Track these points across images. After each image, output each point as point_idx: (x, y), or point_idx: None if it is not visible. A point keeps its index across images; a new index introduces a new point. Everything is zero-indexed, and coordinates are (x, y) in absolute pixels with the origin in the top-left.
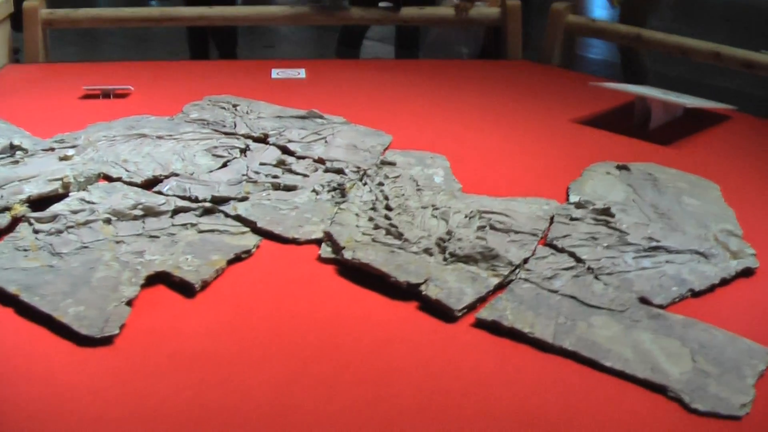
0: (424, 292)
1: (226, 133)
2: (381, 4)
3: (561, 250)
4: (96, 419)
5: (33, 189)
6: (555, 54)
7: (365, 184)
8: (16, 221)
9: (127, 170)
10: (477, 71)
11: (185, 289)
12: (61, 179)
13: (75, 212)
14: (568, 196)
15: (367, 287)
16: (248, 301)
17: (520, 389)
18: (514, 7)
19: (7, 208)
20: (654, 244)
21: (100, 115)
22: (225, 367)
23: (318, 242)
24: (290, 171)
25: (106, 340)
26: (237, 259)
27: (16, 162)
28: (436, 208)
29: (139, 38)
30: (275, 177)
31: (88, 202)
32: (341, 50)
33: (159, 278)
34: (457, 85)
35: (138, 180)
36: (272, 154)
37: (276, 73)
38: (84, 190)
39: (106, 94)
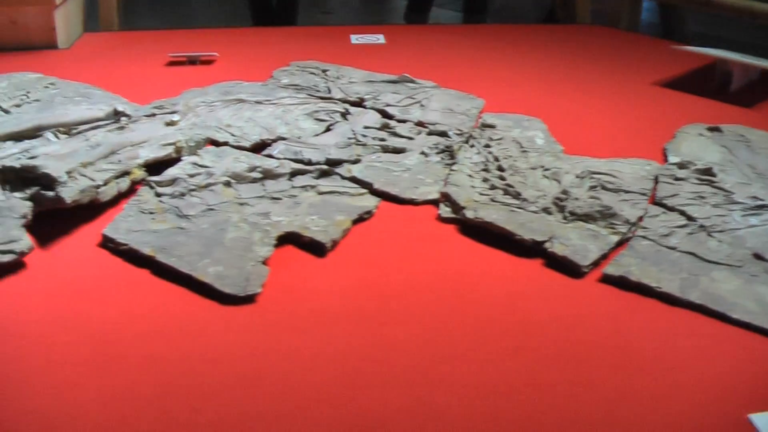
0: (549, 249)
1: (322, 98)
2: None
3: (671, 209)
4: (256, 375)
5: (148, 153)
6: (623, 18)
7: (472, 146)
8: (133, 185)
9: (232, 135)
10: (550, 35)
11: (315, 248)
12: (173, 144)
13: (191, 176)
14: (665, 156)
15: (490, 245)
16: (377, 259)
17: (656, 341)
18: None
19: (126, 172)
20: (759, 203)
21: (188, 81)
22: (368, 322)
23: (434, 203)
24: (395, 134)
25: (249, 299)
26: (360, 219)
27: (122, 128)
28: (546, 169)
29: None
30: (382, 140)
31: (202, 166)
32: (411, 15)
33: (288, 239)
34: (534, 49)
35: (246, 144)
36: (373, 117)
37: (356, 39)
38: (195, 154)
39: (192, 61)
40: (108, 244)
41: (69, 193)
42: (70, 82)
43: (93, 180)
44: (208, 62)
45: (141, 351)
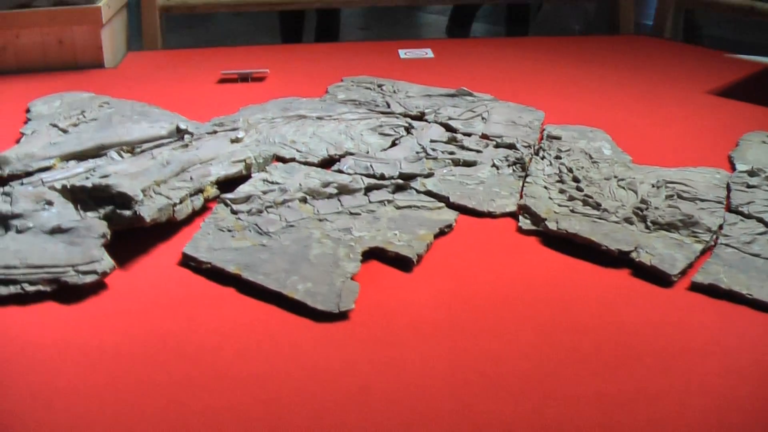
0: (637, 259)
1: (383, 113)
2: None
3: (748, 216)
4: (364, 389)
5: (219, 171)
6: (666, 27)
7: (543, 158)
8: (205, 203)
9: (298, 150)
10: (597, 46)
11: (401, 263)
12: (243, 160)
13: (265, 192)
14: (732, 164)
15: (573, 256)
16: (464, 272)
17: (755, 347)
18: None
19: (200, 190)
20: None
21: (242, 98)
22: (465, 335)
23: (511, 215)
24: (462, 147)
25: (342, 315)
26: (440, 233)
27: (186, 146)
28: (621, 179)
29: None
30: (451, 153)
31: (273, 182)
32: (453, 29)
33: (372, 254)
34: (584, 61)
35: (313, 160)
36: (437, 131)
37: (404, 53)
38: (263, 170)
39: (244, 78)
40: (189, 262)
41: (148, 212)
42: (124, 100)
43: (169, 198)
44: (259, 79)
45: (242, 370)
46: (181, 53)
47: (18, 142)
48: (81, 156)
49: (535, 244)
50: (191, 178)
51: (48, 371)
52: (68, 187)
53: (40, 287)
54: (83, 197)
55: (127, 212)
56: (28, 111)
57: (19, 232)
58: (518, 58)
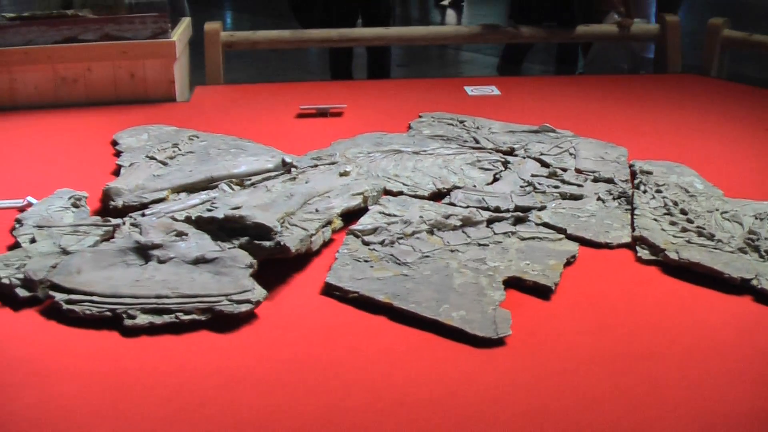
0: (759, 287)
1: (474, 148)
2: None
3: None
4: (543, 411)
5: (341, 203)
6: (713, 67)
7: (645, 192)
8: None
9: (404, 184)
10: (649, 84)
11: (539, 292)
12: (361, 193)
13: (388, 224)
14: None
15: (695, 284)
16: (599, 300)
17: None
18: (673, 23)
19: (329, 222)
20: None
21: (325, 132)
22: (629, 360)
23: (626, 246)
24: (563, 181)
25: (500, 341)
26: (567, 263)
27: (294, 179)
28: (724, 212)
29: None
30: (556, 187)
31: (389, 215)
32: (504, 67)
33: (510, 283)
34: (644, 98)
35: (422, 193)
36: (533, 166)
37: (471, 90)
38: (376, 203)
39: (323, 113)
40: (333, 291)
41: (293, 242)
42: (214, 134)
43: (306, 230)
44: (337, 114)
45: (418, 396)
46: (248, 88)
47: (115, 173)
48: (191, 188)
49: (657, 274)
50: (317, 210)
51: (212, 399)
52: (193, 218)
53: (195, 316)
54: (211, 228)
55: (268, 243)
56: (114, 143)
57: (161, 262)
58: (580, 96)
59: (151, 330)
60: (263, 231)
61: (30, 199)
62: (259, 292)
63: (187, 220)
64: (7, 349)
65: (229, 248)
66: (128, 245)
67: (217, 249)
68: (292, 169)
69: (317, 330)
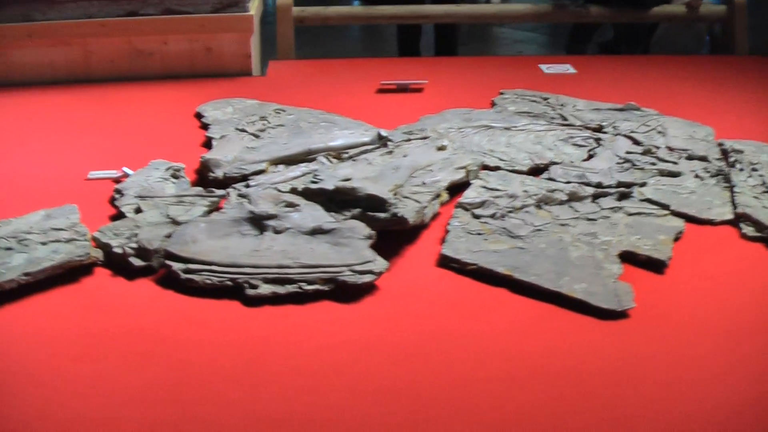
0: None
1: (563, 125)
2: None
3: None
4: (675, 381)
5: (446, 176)
6: None
7: (741, 169)
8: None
9: (501, 159)
10: (721, 65)
11: (652, 266)
12: (464, 167)
13: (494, 198)
14: None
15: None
16: (712, 274)
17: None
18: (740, 4)
19: (437, 195)
20: None
21: (407, 107)
22: (747, 332)
23: (729, 222)
24: (659, 159)
25: (623, 314)
26: (675, 239)
27: (390, 152)
28: None
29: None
30: (653, 164)
31: (491, 189)
32: (572, 46)
33: (623, 257)
34: (714, 78)
35: (521, 168)
36: (626, 143)
37: (546, 68)
38: (478, 178)
39: (403, 88)
40: (450, 264)
41: (410, 214)
42: (300, 108)
43: (418, 202)
44: (417, 90)
45: (551, 366)
46: (323, 63)
47: (205, 145)
48: (289, 161)
49: (762, 250)
50: (424, 183)
51: (346, 368)
52: (299, 190)
53: (318, 286)
54: (321, 200)
55: (383, 215)
56: (199, 116)
57: (277, 232)
58: (655, 75)
59: (274, 300)
60: (376, 203)
61: (126, 169)
62: (380, 263)
63: (293, 191)
64: (128, 318)
65: (342, 219)
66: (242, 215)
67: (332, 220)
68: (388, 143)
69: (440, 301)
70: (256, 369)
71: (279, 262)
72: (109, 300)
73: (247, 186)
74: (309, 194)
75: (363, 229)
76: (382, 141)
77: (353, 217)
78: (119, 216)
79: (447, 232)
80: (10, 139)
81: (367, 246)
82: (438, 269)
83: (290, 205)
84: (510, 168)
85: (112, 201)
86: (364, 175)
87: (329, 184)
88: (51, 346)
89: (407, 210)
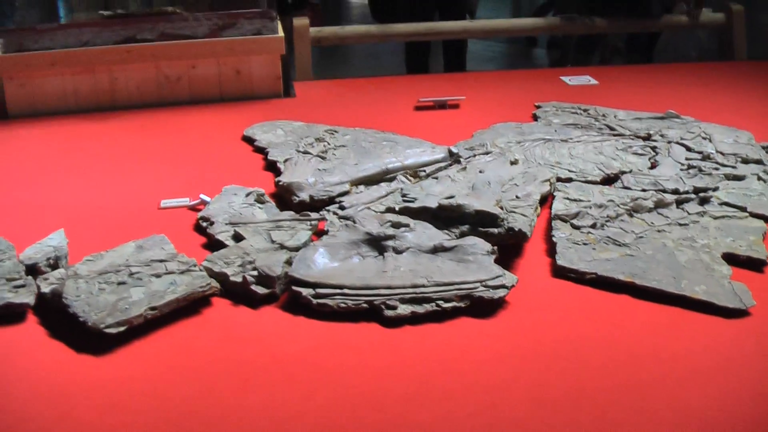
0: None
1: (615, 135)
2: None
3: None
4: None
5: (536, 190)
6: None
7: None
8: None
9: (570, 170)
10: (727, 72)
11: (752, 265)
12: (548, 180)
13: (586, 208)
14: None
15: None
16: None
17: None
18: (738, 11)
19: (534, 208)
20: None
21: (451, 123)
22: None
23: None
24: (718, 163)
25: (745, 312)
26: (762, 238)
27: (464, 168)
28: None
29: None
30: (716, 168)
31: (576, 200)
32: (579, 58)
33: (725, 259)
34: (727, 84)
35: (593, 178)
36: (680, 150)
37: (569, 80)
38: (557, 190)
39: (441, 105)
40: (568, 274)
41: (525, 228)
42: (352, 128)
43: (525, 215)
44: (454, 106)
45: (690, 367)
46: (348, 82)
47: (268, 168)
48: (369, 181)
49: None
50: (517, 197)
51: (504, 383)
52: (397, 209)
53: (455, 303)
54: (424, 218)
55: (497, 230)
56: (250, 140)
57: (398, 252)
58: (673, 83)
59: (413, 319)
60: (487, 218)
61: (203, 197)
62: (510, 276)
63: (389, 211)
64: (271, 347)
65: (456, 237)
66: (359, 237)
67: (447, 237)
68: (462, 159)
69: (570, 310)
70: (426, 388)
71: (413, 282)
72: (241, 330)
73: (342, 208)
74: (411, 213)
75: (484, 244)
76: (453, 157)
77: (462, 234)
78: (216, 244)
79: (554, 243)
80: (65, 170)
81: (492, 261)
82: (555, 280)
83: (397, 225)
84: (583, 179)
85: (199, 229)
86: (456, 192)
87: (430, 202)
88: (207, 379)
89: (520, 224)
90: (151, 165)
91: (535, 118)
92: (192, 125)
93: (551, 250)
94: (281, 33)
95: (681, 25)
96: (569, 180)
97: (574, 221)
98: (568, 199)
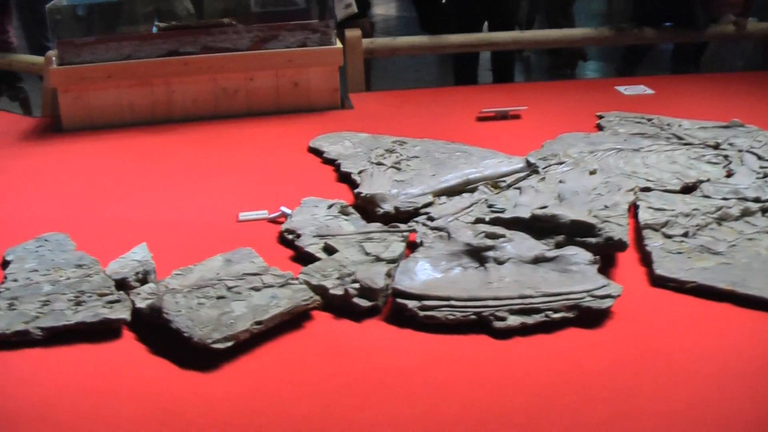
0: None
1: (684, 144)
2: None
3: None
4: None
5: (623, 200)
6: None
7: None
8: None
9: (648, 180)
10: None
11: None
12: (632, 190)
13: (673, 217)
14: None
15: None
16: None
17: None
18: None
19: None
20: None
21: (517, 134)
22: None
23: None
24: None
25: None
26: None
27: (543, 179)
28: None
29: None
30: None
31: (660, 209)
32: (624, 68)
33: None
34: None
35: (672, 188)
36: (752, 158)
37: (624, 90)
38: (639, 199)
39: (503, 115)
40: (667, 283)
41: (625, 237)
42: (418, 139)
43: (620, 224)
44: (516, 116)
45: None
46: (404, 93)
47: (341, 180)
48: (449, 192)
49: None
50: (606, 206)
51: (610, 395)
52: (487, 219)
53: (563, 314)
54: (515, 229)
55: (594, 239)
56: (317, 152)
57: (500, 263)
58: (725, 92)
59: (523, 331)
60: (583, 228)
61: (284, 209)
62: (616, 286)
63: (479, 221)
64: (379, 361)
65: (553, 247)
66: (458, 248)
67: (546, 248)
68: (540, 170)
69: (677, 319)
70: (551, 400)
71: (520, 292)
72: (349, 343)
73: (431, 219)
74: (503, 224)
75: (585, 254)
76: (531, 168)
77: (558, 244)
78: (306, 256)
79: (647, 252)
80: (135, 184)
81: (595, 271)
82: (655, 289)
83: (492, 235)
84: (662, 188)
85: (284, 241)
86: (543, 202)
87: (522, 213)
88: (324, 395)
89: (619, 233)
90: (221, 178)
91: (600, 127)
92: (254, 138)
93: (644, 259)
94: (339, 44)
95: (728, 35)
96: (647, 189)
97: (665, 230)
98: (651, 208)
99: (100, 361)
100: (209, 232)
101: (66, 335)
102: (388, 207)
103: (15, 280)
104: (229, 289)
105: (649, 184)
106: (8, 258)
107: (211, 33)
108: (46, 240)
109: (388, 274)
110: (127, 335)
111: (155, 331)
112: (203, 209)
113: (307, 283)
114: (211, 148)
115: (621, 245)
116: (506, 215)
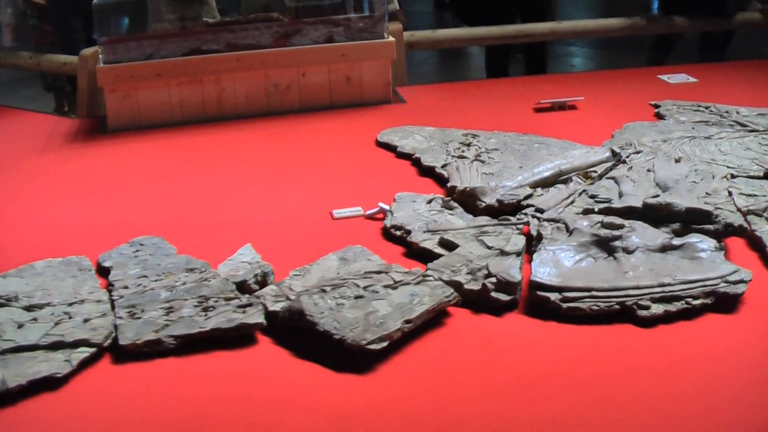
0: None
1: (750, 131)
2: None
3: None
4: None
5: (718, 186)
6: None
7: None
8: None
9: (728, 167)
10: None
11: None
12: (725, 177)
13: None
14: None
15: None
16: None
17: None
18: None
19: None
20: None
21: (577, 124)
22: None
23: None
24: None
25: None
26: None
27: (631, 168)
28: None
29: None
30: None
31: (750, 195)
32: (653, 57)
33: None
34: None
35: (755, 174)
36: None
37: (668, 78)
38: (731, 187)
39: (561, 106)
40: None
41: (745, 224)
42: (490, 132)
43: (732, 211)
44: (573, 107)
45: None
46: (452, 86)
47: (423, 174)
48: (543, 183)
49: None
50: (707, 194)
51: None
52: (596, 210)
53: (702, 300)
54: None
55: (713, 227)
56: (386, 146)
57: (628, 252)
58: (762, 80)
59: (666, 318)
60: (700, 215)
61: (382, 205)
62: (745, 272)
63: (588, 212)
64: (536, 355)
65: (700, 235)
66: (586, 239)
67: (668, 236)
68: (626, 159)
69: None
70: (715, 386)
71: (659, 281)
72: (499, 339)
73: (540, 211)
74: (616, 214)
75: (710, 241)
76: (616, 157)
77: (675, 232)
78: (421, 252)
79: (758, 237)
80: (213, 185)
81: (723, 257)
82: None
83: (610, 225)
84: (745, 174)
85: (391, 238)
86: (644, 191)
87: (634, 202)
88: (494, 393)
89: (735, 219)
90: (299, 175)
91: (660, 116)
92: (313, 133)
93: (752, 244)
94: (391, 38)
95: (755, 22)
96: (731, 176)
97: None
98: (743, 194)
99: (246, 369)
100: (308, 230)
101: (198, 343)
102: (490, 200)
103: (125, 287)
104: (365, 288)
105: (731, 171)
106: (105, 264)
107: (333, 23)
108: (141, 244)
109: (519, 268)
110: (263, 340)
111: (291, 334)
112: (296, 207)
113: (439, 279)
114: (272, 145)
115: (741, 230)
116: (617, 205)
